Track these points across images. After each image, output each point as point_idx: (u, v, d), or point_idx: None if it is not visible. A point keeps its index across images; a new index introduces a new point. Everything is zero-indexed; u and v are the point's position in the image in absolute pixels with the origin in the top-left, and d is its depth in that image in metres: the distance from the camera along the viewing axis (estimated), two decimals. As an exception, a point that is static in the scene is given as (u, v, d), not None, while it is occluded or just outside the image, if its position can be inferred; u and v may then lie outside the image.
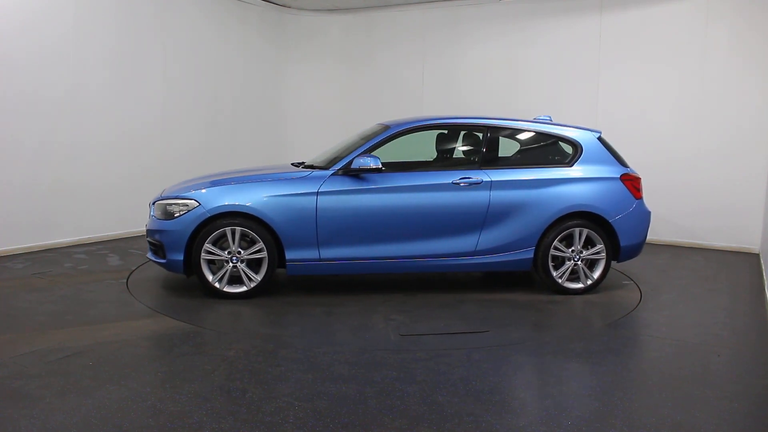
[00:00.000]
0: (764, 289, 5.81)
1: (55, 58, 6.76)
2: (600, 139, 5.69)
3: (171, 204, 5.17)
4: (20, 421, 2.93)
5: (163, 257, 5.16)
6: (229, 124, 9.20)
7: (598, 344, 4.26)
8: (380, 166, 5.14)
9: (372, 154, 5.26)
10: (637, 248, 5.63)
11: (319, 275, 5.83)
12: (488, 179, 5.34)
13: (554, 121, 5.93)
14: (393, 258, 5.27)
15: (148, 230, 5.37)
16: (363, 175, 5.22)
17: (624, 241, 5.47)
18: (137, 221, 7.65)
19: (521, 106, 8.29)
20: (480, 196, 5.31)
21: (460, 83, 9.27)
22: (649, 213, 5.68)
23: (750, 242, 7.69)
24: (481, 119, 5.70)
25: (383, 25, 9.81)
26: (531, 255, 5.38)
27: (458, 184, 5.29)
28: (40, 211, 6.76)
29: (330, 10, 10.03)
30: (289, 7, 9.97)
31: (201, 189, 5.20)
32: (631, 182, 5.56)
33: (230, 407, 3.14)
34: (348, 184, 5.20)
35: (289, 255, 5.13)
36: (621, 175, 5.53)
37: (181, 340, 4.14)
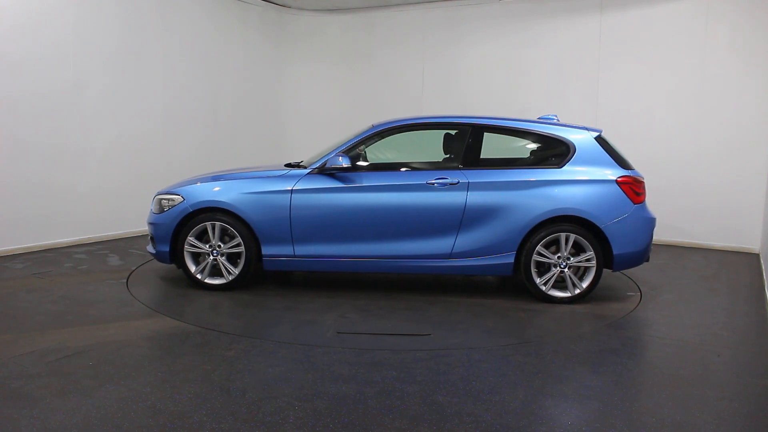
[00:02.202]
0: (764, 289, 5.81)
1: (57, 59, 6.76)
2: (599, 138, 5.36)
3: (163, 198, 5.49)
4: (20, 421, 2.93)
5: (155, 248, 5.49)
6: (230, 124, 9.20)
7: (598, 344, 4.26)
8: (349, 165, 5.20)
9: (348, 153, 5.32)
10: (635, 257, 5.24)
11: (297, 271, 5.88)
12: (465, 180, 5.18)
13: (552, 121, 5.69)
14: (366, 257, 5.26)
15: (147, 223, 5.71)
16: (339, 174, 5.28)
17: (618, 249, 5.11)
18: (137, 221, 7.65)
19: (521, 106, 8.30)
20: (456, 198, 5.16)
21: (460, 83, 9.28)
22: (651, 219, 5.27)
23: (750, 242, 7.69)
24: (464, 118, 5.51)
25: (383, 25, 9.81)
26: (511, 260, 5.15)
27: (432, 184, 5.19)
28: (40, 211, 6.75)
29: (330, 10, 10.04)
30: (289, 7, 9.97)
31: (187, 185, 5.52)
32: (630, 185, 5.17)
33: (230, 407, 3.14)
34: (321, 183, 5.28)
35: (265, 250, 5.29)
36: (618, 178, 5.17)
37: (181, 340, 4.14)
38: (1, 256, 6.34)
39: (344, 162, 5.19)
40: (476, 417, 3.09)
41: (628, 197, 5.16)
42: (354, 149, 5.42)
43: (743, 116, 7.64)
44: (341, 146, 5.43)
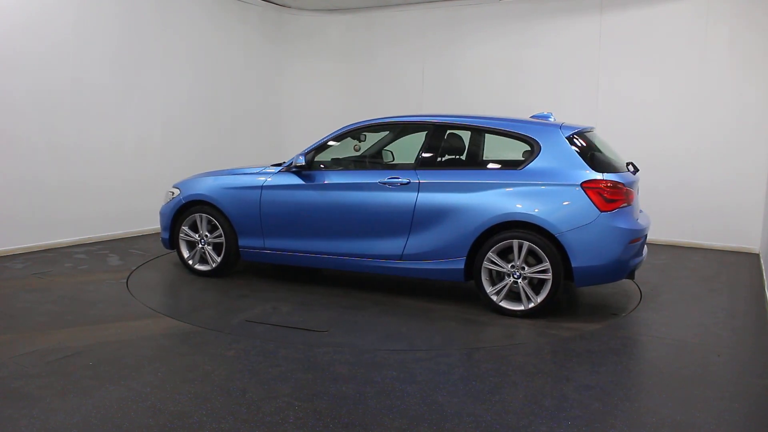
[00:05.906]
0: (764, 289, 5.81)
1: (57, 58, 6.75)
2: (573, 137, 4.85)
3: (169, 191, 6.09)
4: (20, 421, 2.93)
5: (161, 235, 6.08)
6: (230, 124, 9.20)
7: (598, 344, 4.26)
8: (303, 164, 5.38)
9: (317, 153, 5.48)
10: (604, 271, 4.61)
11: (269, 263, 5.98)
12: (416, 180, 5.02)
13: (520, 119, 5.25)
14: (323, 254, 5.36)
15: None
16: (303, 172, 5.45)
17: (578, 261, 4.54)
18: (137, 221, 7.66)
19: (521, 106, 8.27)
20: (406, 198, 5.01)
21: (460, 83, 9.27)
22: (626, 230, 4.60)
23: (750, 242, 7.69)
24: (426, 117, 5.39)
25: (383, 25, 9.81)
26: (461, 266, 4.84)
27: (385, 184, 5.12)
28: (40, 211, 6.75)
29: (330, 10, 10.03)
30: (289, 7, 9.97)
31: (188, 179, 6.07)
32: (598, 191, 4.57)
33: (230, 407, 3.14)
34: (287, 180, 5.49)
35: (241, 242, 5.64)
36: (583, 182, 4.62)
37: (181, 340, 4.14)
38: (1, 256, 6.34)
39: (302, 160, 5.38)
40: (476, 417, 3.09)
41: (594, 203, 4.57)
42: (323, 149, 5.54)
43: (743, 116, 7.64)
44: (308, 147, 5.55)
